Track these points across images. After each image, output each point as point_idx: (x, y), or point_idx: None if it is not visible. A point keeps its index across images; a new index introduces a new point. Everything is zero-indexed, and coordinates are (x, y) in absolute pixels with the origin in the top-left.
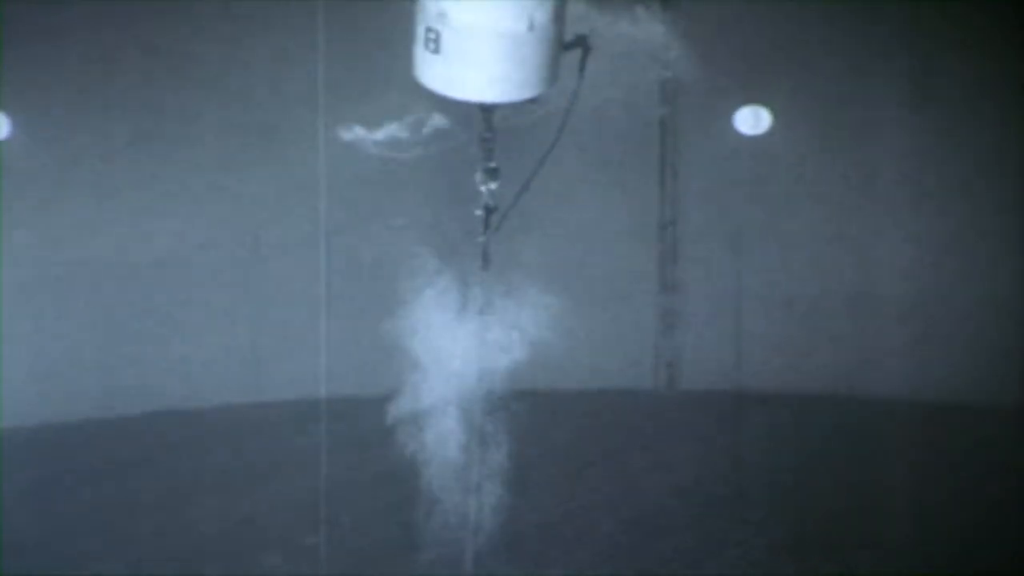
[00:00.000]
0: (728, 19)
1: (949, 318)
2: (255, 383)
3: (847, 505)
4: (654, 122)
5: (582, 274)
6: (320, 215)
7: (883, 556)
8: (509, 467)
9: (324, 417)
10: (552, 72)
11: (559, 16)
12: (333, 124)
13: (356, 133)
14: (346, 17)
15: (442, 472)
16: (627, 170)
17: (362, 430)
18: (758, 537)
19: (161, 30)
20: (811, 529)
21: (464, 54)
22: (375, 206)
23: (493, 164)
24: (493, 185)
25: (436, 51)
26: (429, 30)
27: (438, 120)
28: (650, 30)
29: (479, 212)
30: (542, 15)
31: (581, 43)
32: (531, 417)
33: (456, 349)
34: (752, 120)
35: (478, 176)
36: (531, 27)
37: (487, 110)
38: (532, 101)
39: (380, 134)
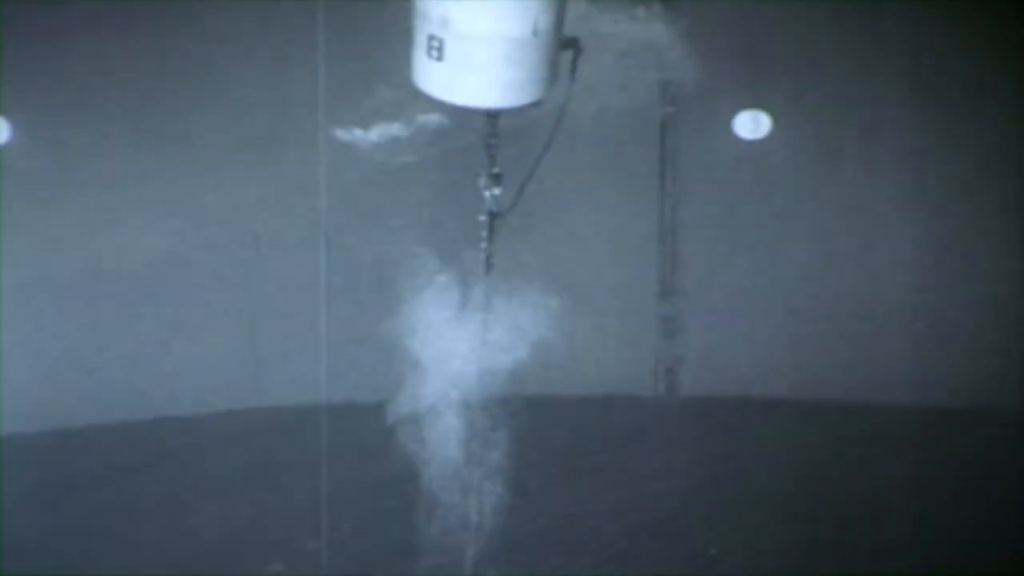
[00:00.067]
0: (728, 19)
1: (951, 321)
2: (255, 387)
3: (849, 510)
4: (654, 124)
5: (582, 279)
6: (320, 216)
7: (886, 559)
8: (510, 471)
9: (325, 421)
10: (554, 75)
11: (560, 19)
12: (333, 125)
13: (355, 134)
14: (346, 17)
15: (443, 476)
16: (627, 174)
17: (363, 434)
18: (760, 543)
19: (161, 31)
20: (813, 535)
21: (468, 61)
22: (375, 206)
23: (497, 169)
24: (497, 190)
25: (439, 58)
26: (432, 37)
27: (438, 120)
28: (650, 30)
29: (483, 218)
30: (546, 19)
31: (572, 44)
32: (532, 421)
33: (456, 350)
34: (752, 124)
35: (482, 181)
36: (535, 32)
37: (491, 115)
38: (534, 104)
39: (380, 135)
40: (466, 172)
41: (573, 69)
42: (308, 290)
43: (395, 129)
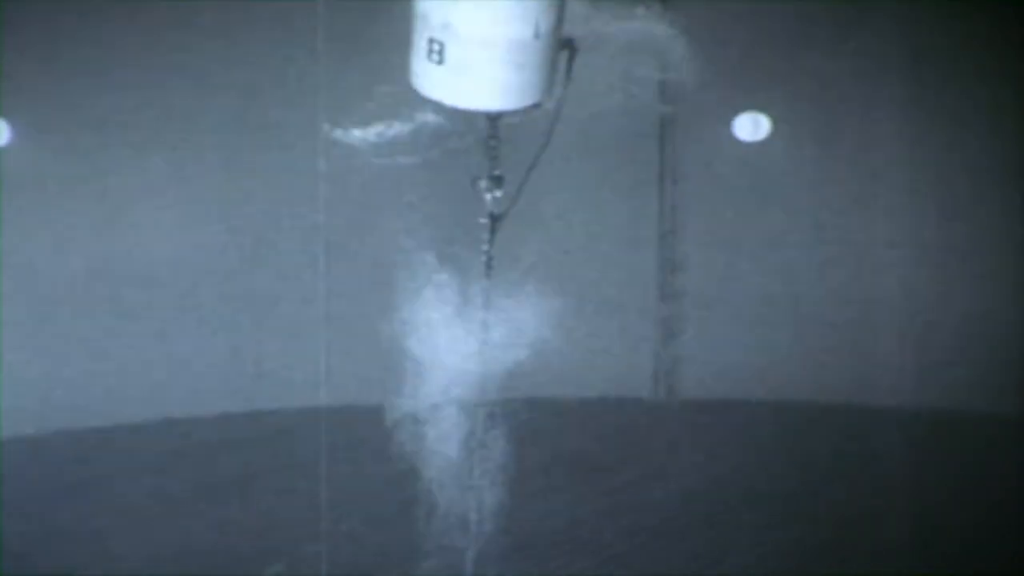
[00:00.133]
0: (728, 19)
1: (949, 324)
2: (255, 389)
3: (848, 512)
4: (654, 124)
5: (582, 282)
6: (320, 217)
7: (886, 561)
8: (510, 474)
9: (324, 424)
10: (553, 76)
11: (560, 20)
12: (333, 125)
13: (355, 134)
14: (346, 17)
15: (442, 478)
16: (627, 175)
17: (363, 437)
18: (759, 546)
19: (161, 33)
20: (813, 536)
21: (470, 64)
22: (375, 207)
23: (498, 172)
24: (498, 193)
25: (440, 62)
26: (432, 41)
27: (438, 120)
28: (650, 30)
29: (484, 220)
30: (547, 22)
31: (568, 45)
32: (532, 423)
33: (456, 350)
34: (751, 127)
35: (483, 183)
36: (537, 34)
37: (492, 118)
38: (535, 106)
39: (379, 135)
40: (466, 172)
41: (569, 70)
42: (307, 293)
43: (395, 129)
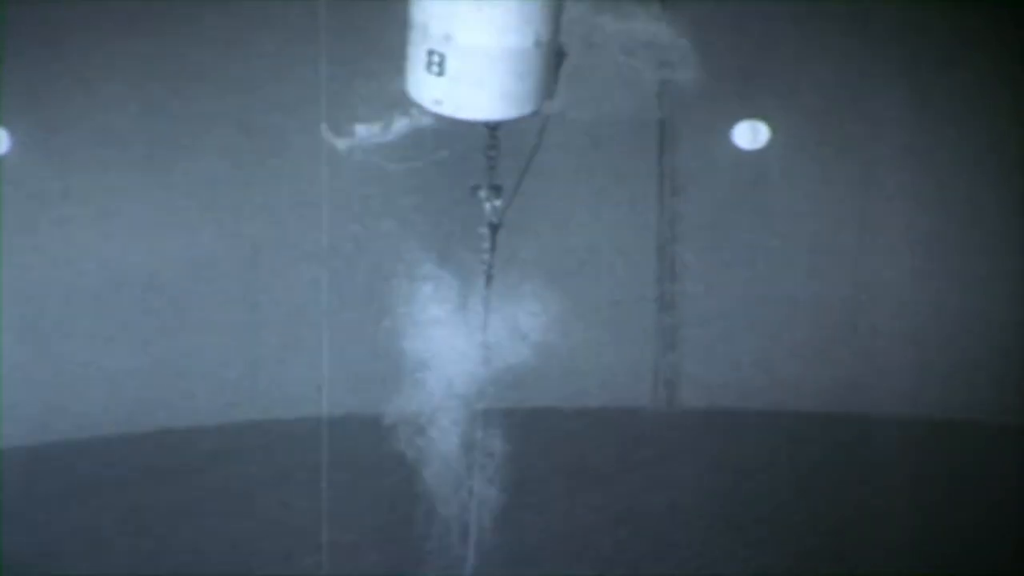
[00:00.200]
0: (728, 20)
1: (949, 332)
2: (255, 396)
3: (847, 522)
4: (653, 126)
5: (580, 291)
6: (322, 220)
7: (884, 569)
8: (509, 484)
9: (325, 434)
10: (552, 83)
11: (558, 28)
12: (333, 128)
13: (354, 138)
14: (346, 18)
15: (441, 487)
16: (625, 180)
17: (363, 447)
18: (758, 555)
19: (161, 35)
20: (811, 545)
21: (471, 75)
22: (374, 209)
23: (498, 181)
24: (498, 202)
25: (440, 73)
26: (432, 53)
27: (437, 124)
28: (650, 30)
29: (483, 230)
30: (547, 31)
31: (558, 50)
32: (531, 432)
33: (454, 354)
34: (750, 135)
35: (482, 192)
36: (537, 43)
37: (492, 127)
38: (534, 113)
39: (379, 138)
40: (465, 175)
41: (556, 75)
42: (308, 300)
43: (394, 132)
